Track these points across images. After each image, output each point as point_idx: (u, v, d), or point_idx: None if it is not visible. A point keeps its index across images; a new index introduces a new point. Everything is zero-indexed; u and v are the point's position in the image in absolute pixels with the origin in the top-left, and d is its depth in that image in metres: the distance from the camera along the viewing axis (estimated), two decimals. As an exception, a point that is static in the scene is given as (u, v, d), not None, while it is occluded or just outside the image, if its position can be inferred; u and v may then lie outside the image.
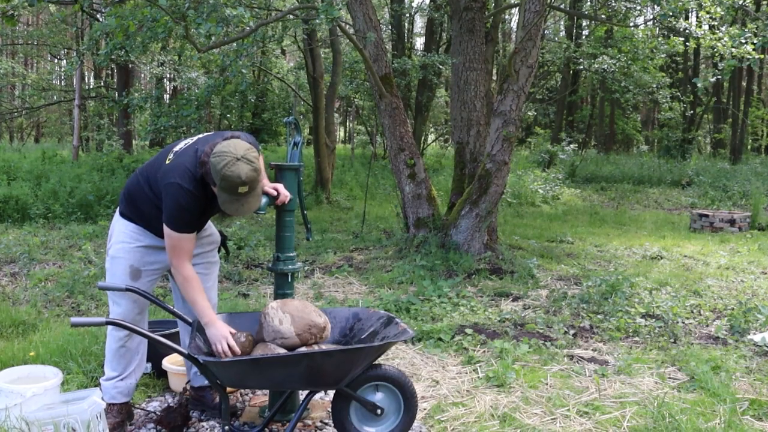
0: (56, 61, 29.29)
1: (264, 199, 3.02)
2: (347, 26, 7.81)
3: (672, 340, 4.64)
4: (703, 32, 8.38)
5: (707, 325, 5.08)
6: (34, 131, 32.63)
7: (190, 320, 3.09)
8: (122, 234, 3.06)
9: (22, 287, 5.88)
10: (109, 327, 3.09)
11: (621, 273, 6.41)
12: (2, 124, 28.49)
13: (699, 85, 6.73)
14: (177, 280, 2.91)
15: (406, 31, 22.58)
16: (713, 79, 7.62)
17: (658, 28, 12.78)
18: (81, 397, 2.91)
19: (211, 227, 3.29)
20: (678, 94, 21.07)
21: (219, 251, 3.37)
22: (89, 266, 6.33)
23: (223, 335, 2.83)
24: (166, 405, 3.39)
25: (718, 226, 10.12)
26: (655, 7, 7.15)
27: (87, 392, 2.96)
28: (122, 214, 3.09)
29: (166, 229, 2.83)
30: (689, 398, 3.58)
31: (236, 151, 2.70)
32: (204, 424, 3.26)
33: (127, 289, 2.95)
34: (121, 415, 3.13)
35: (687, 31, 9.03)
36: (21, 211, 9.69)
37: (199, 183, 2.81)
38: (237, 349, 2.82)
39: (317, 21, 5.56)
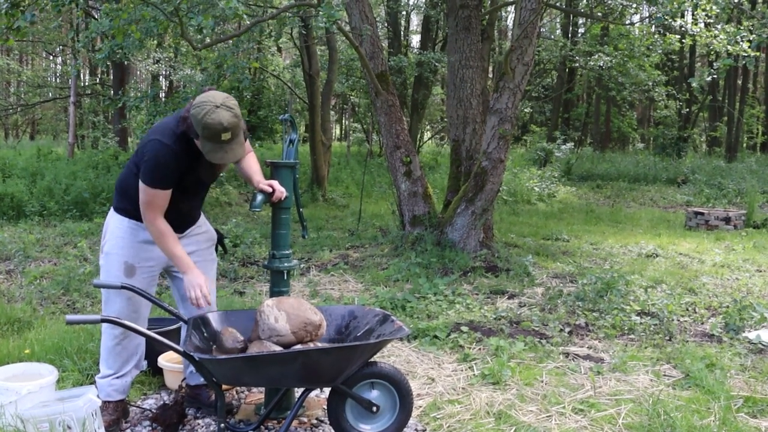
0: (51, 57, 29.17)
1: (260, 197, 3.02)
2: (343, 24, 7.80)
3: (667, 338, 4.66)
4: (699, 30, 8.40)
5: (702, 323, 5.10)
6: (30, 128, 32.50)
7: (186, 318, 3.09)
8: (117, 230, 3.05)
9: (17, 285, 5.87)
10: (104, 324, 3.09)
11: (616, 271, 6.42)
12: (-3, 122, 28.41)
13: (694, 84, 6.76)
14: (151, 234, 2.94)
15: (402, 28, 22.57)
16: (709, 78, 7.65)
17: (654, 26, 12.80)
18: (76, 394, 2.91)
19: (206, 224, 3.29)
20: (674, 91, 21.13)
21: (216, 249, 3.36)
22: (84, 264, 6.33)
23: (198, 282, 2.92)
24: (161, 402, 3.40)
25: (713, 224, 10.15)
26: (651, 7, 7.18)
27: (82, 390, 2.95)
28: (117, 209, 3.08)
29: (141, 185, 2.85)
30: (684, 395, 3.59)
31: (215, 99, 2.72)
32: (200, 421, 3.26)
33: (122, 287, 2.94)
34: (116, 412, 3.13)
35: (683, 28, 9.05)
36: (16, 208, 9.68)
37: (180, 139, 2.84)
38: (210, 299, 2.94)
39: (321, 24, 5.55)
